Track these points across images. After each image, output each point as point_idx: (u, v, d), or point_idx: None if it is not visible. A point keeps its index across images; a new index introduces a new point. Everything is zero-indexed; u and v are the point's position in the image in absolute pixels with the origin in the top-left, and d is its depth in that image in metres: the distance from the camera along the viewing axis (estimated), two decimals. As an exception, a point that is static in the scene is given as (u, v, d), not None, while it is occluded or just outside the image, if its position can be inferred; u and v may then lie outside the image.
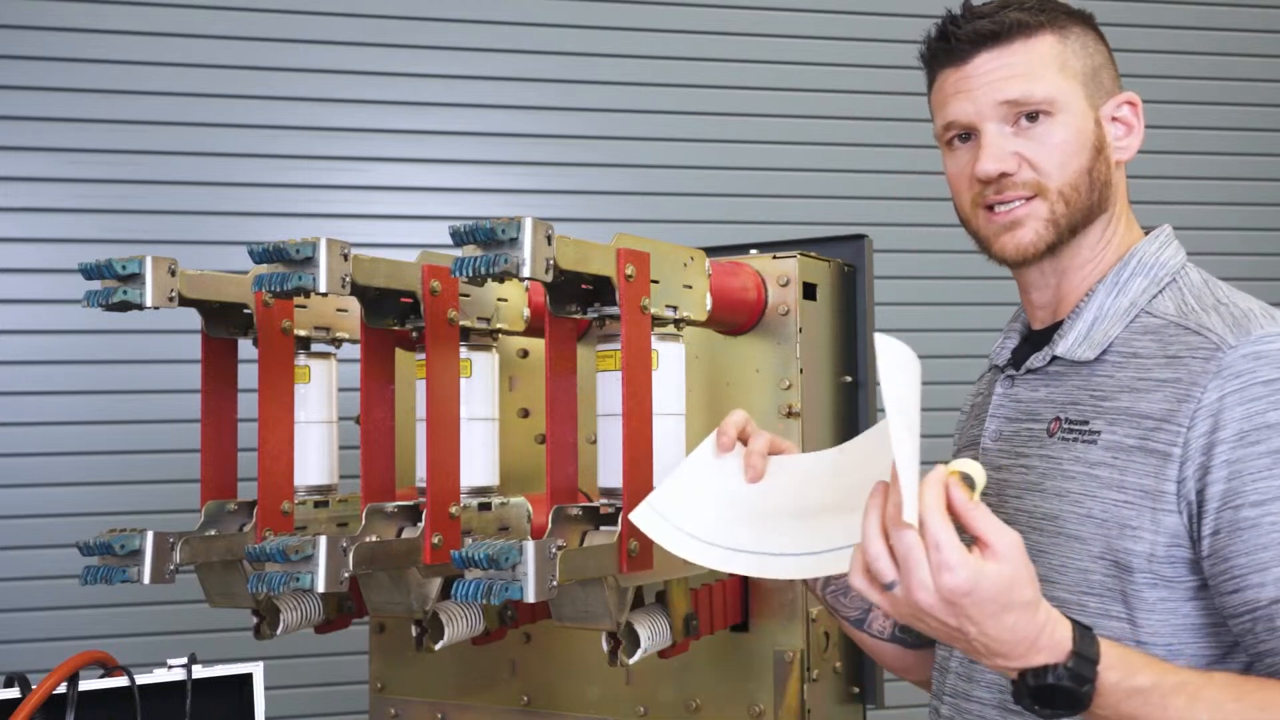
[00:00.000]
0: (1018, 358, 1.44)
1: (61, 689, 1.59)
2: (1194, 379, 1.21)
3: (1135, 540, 1.24)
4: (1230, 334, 1.21)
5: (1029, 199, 1.34)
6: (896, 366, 1.12)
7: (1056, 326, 1.39)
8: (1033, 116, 1.33)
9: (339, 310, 1.80)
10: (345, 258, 1.43)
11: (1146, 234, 1.40)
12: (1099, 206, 1.36)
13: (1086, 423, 1.31)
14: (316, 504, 1.77)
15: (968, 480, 1.07)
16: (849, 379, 1.90)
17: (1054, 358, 1.37)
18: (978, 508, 1.06)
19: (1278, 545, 1.15)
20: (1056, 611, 1.09)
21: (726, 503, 1.39)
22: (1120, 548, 1.25)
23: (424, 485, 1.53)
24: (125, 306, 1.51)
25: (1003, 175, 1.33)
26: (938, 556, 1.02)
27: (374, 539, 1.52)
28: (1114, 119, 1.37)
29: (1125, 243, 1.38)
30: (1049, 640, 1.07)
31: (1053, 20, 1.35)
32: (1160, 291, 1.33)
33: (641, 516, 1.40)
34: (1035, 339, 1.44)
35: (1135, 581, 1.24)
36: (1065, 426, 1.33)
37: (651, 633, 1.53)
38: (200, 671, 1.69)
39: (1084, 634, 1.10)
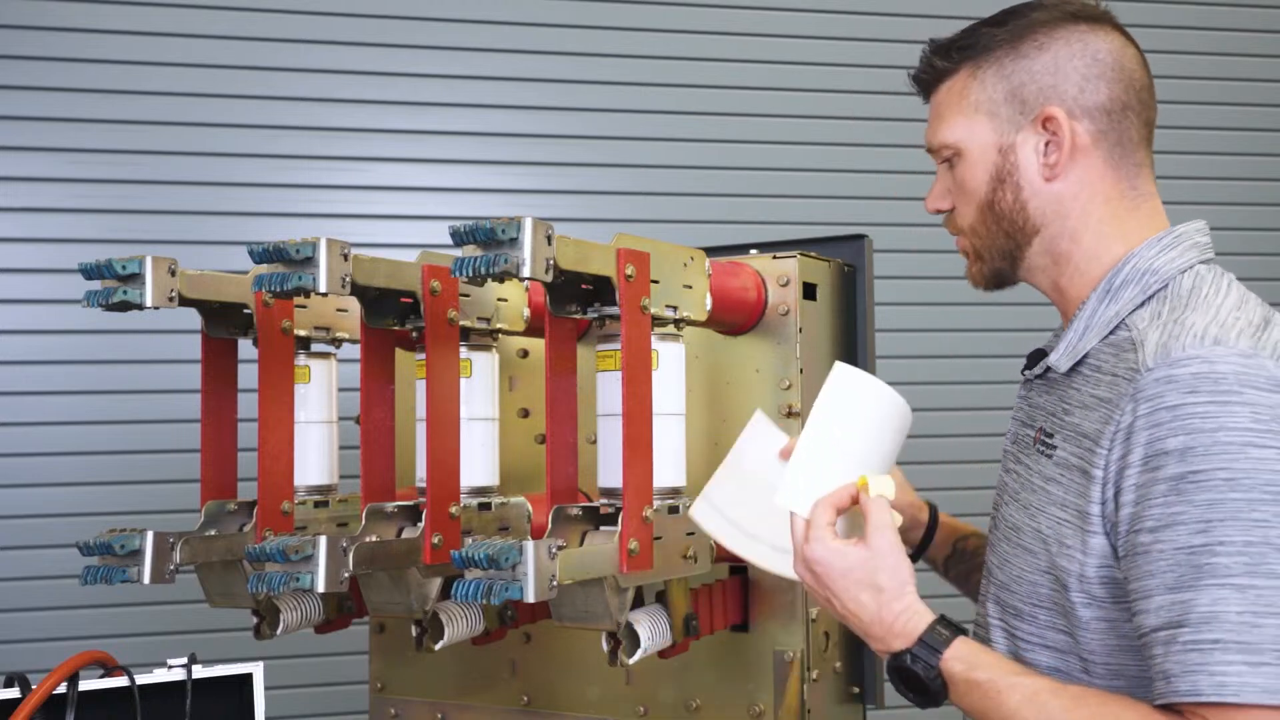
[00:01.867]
0: (1034, 359, 1.44)
1: (61, 689, 1.59)
2: (1117, 400, 1.19)
3: (1069, 559, 1.24)
4: (1153, 355, 1.17)
5: (962, 234, 1.43)
6: (845, 395, 1.40)
7: None
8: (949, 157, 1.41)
9: (339, 310, 1.80)
10: (345, 258, 1.43)
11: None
12: (1021, 232, 1.35)
13: (1052, 436, 1.31)
14: (316, 504, 1.78)
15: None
16: (849, 379, 1.90)
17: (1047, 367, 1.37)
18: (873, 503, 1.31)
19: (1164, 574, 1.12)
20: (923, 607, 1.28)
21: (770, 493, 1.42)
22: (1059, 565, 1.25)
23: (424, 485, 1.53)
24: (125, 306, 1.51)
25: (941, 212, 1.45)
26: (809, 532, 1.32)
27: (374, 539, 1.52)
28: (1048, 129, 1.32)
29: (1111, 251, 1.33)
30: (903, 628, 1.26)
31: (973, 52, 1.37)
32: (1147, 300, 1.29)
33: (700, 512, 1.48)
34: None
35: (1070, 599, 1.25)
36: (1039, 438, 1.35)
37: (651, 633, 1.53)
38: (200, 671, 1.69)
39: (938, 629, 1.26)
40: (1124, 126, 1.34)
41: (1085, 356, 1.31)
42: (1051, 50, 1.34)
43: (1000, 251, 1.38)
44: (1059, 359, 1.34)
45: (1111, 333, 1.29)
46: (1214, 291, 1.26)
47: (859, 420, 1.40)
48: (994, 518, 1.44)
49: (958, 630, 1.26)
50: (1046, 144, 1.33)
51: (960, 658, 1.23)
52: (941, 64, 1.40)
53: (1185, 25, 3.97)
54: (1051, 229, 1.35)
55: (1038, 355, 1.42)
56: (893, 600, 1.27)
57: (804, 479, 1.35)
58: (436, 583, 1.62)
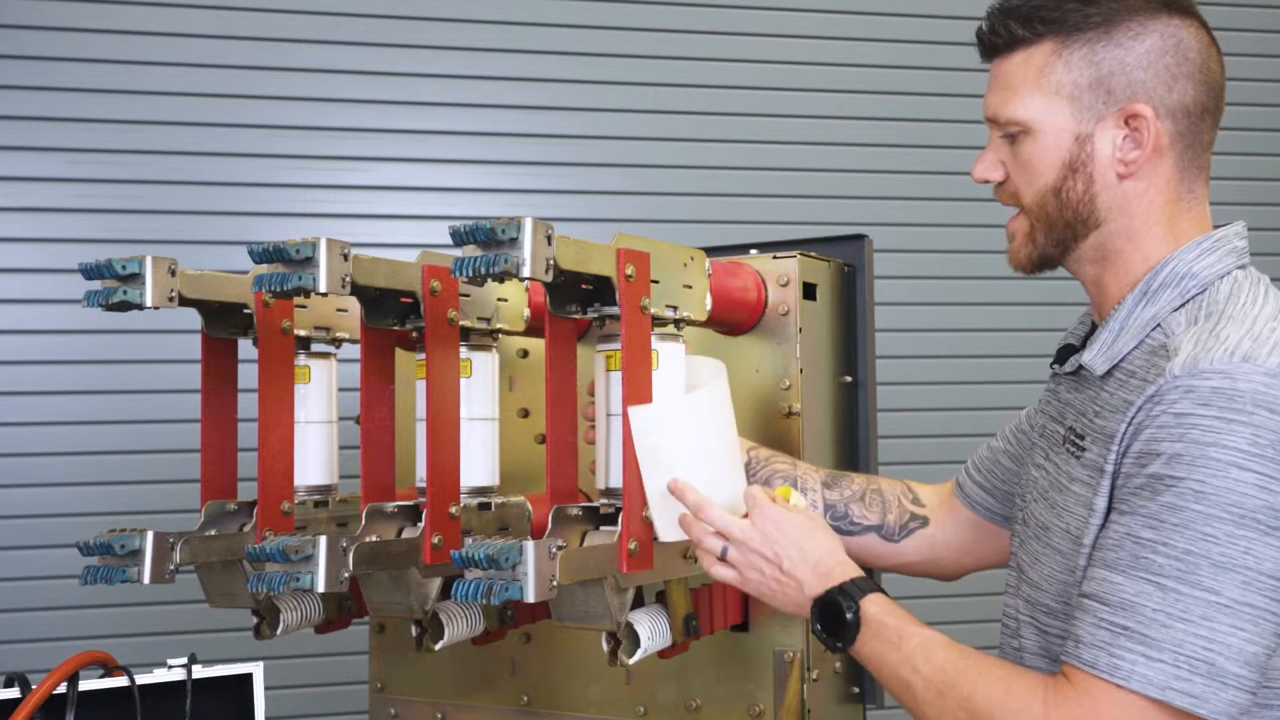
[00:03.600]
0: (1064, 355, 1.42)
1: (61, 689, 1.59)
2: (1137, 401, 1.21)
3: (1085, 556, 1.25)
4: (1181, 364, 1.18)
5: (1019, 212, 1.38)
6: (652, 431, 1.46)
7: None
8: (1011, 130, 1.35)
9: (339, 310, 1.80)
10: (345, 258, 1.43)
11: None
12: (1084, 223, 1.33)
13: (1083, 437, 1.30)
14: (316, 504, 1.77)
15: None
16: (849, 379, 1.90)
17: (1080, 365, 1.36)
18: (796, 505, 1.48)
19: (1109, 550, 1.19)
20: (852, 565, 1.41)
21: None
22: (1080, 565, 1.26)
23: (424, 485, 1.53)
24: (125, 306, 1.51)
25: (990, 182, 1.39)
26: (757, 503, 1.43)
27: (374, 539, 1.52)
28: (1130, 125, 1.30)
29: (1158, 253, 1.32)
30: (838, 573, 1.39)
31: (1060, 27, 1.31)
32: (1185, 304, 1.28)
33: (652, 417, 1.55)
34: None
35: None
36: (1069, 437, 1.34)
37: (651, 633, 1.53)
38: (200, 671, 1.69)
39: (865, 580, 1.38)
40: (1199, 129, 1.32)
41: (1121, 360, 1.30)
42: (1146, 42, 1.29)
43: (1056, 238, 1.35)
44: (1095, 359, 1.32)
45: (1149, 334, 1.28)
46: (1251, 300, 1.26)
47: (680, 440, 1.48)
48: (1022, 511, 1.44)
49: (880, 590, 1.39)
50: (1125, 138, 1.30)
51: (878, 603, 1.35)
52: (1021, 32, 1.33)
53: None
54: (1112, 225, 1.33)
55: (1067, 350, 1.41)
56: (832, 552, 1.41)
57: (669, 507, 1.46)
58: (436, 583, 1.62)
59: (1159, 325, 1.28)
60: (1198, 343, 1.19)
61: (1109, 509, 1.23)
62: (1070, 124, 1.31)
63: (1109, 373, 1.31)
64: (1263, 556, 1.11)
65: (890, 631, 1.32)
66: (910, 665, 1.29)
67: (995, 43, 1.36)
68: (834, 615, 1.36)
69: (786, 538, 1.41)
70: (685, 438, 1.49)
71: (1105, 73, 1.30)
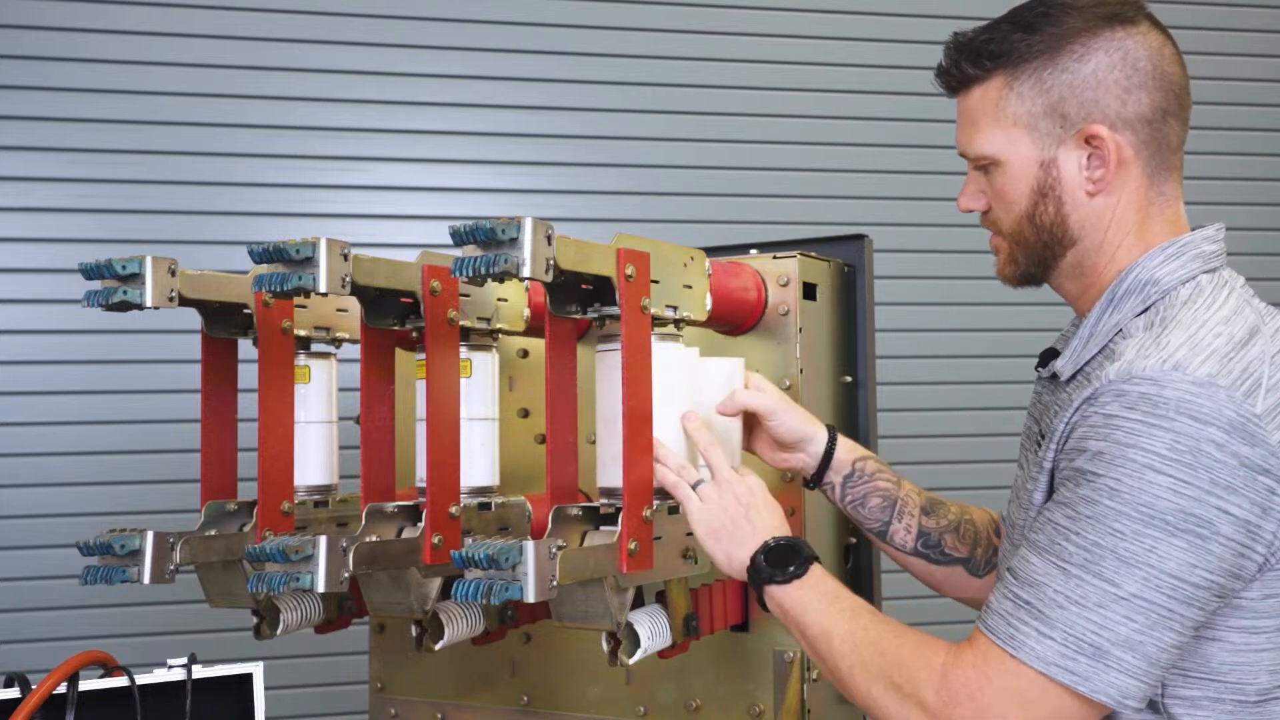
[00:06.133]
0: (1045, 359, 1.46)
1: (61, 689, 1.59)
2: (1077, 401, 1.24)
3: None
4: (1118, 368, 1.21)
5: (1000, 233, 1.43)
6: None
7: None
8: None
9: (339, 310, 1.80)
10: (345, 258, 1.43)
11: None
12: (1059, 243, 1.36)
13: (1044, 437, 1.34)
14: (316, 504, 1.77)
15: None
16: (849, 379, 1.90)
17: (1054, 372, 1.39)
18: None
19: (1033, 532, 1.25)
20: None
21: None
22: None
23: (424, 485, 1.53)
24: (125, 306, 1.51)
25: (972, 211, 1.44)
26: (751, 474, 1.51)
27: (374, 539, 1.52)
28: (1091, 144, 1.32)
29: (1129, 259, 1.34)
30: (785, 529, 1.47)
31: (1007, 60, 1.34)
32: (1145, 310, 1.31)
33: None
34: None
35: None
36: (1036, 438, 1.38)
37: (651, 633, 1.53)
38: (200, 671, 1.69)
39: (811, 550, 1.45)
40: (1164, 133, 1.33)
41: (1084, 365, 1.33)
42: (1091, 61, 1.31)
43: (1036, 259, 1.39)
44: (1064, 366, 1.36)
45: (1109, 341, 1.31)
46: (1206, 305, 1.27)
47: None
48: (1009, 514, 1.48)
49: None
50: (1089, 157, 1.32)
51: (822, 568, 1.43)
52: (972, 70, 1.37)
53: (1185, 25, 3.97)
54: (1087, 241, 1.36)
55: (1049, 354, 1.45)
56: (789, 531, 1.48)
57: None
58: (436, 583, 1.62)
59: (1120, 330, 1.31)
60: (1139, 349, 1.22)
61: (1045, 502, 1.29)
62: (1033, 152, 1.34)
63: (1072, 377, 1.34)
64: (1166, 556, 1.16)
65: (829, 586, 1.39)
66: (836, 618, 1.35)
67: (951, 82, 1.41)
68: (785, 555, 1.42)
69: (767, 500, 1.48)
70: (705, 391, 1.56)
71: (1056, 98, 1.32)
